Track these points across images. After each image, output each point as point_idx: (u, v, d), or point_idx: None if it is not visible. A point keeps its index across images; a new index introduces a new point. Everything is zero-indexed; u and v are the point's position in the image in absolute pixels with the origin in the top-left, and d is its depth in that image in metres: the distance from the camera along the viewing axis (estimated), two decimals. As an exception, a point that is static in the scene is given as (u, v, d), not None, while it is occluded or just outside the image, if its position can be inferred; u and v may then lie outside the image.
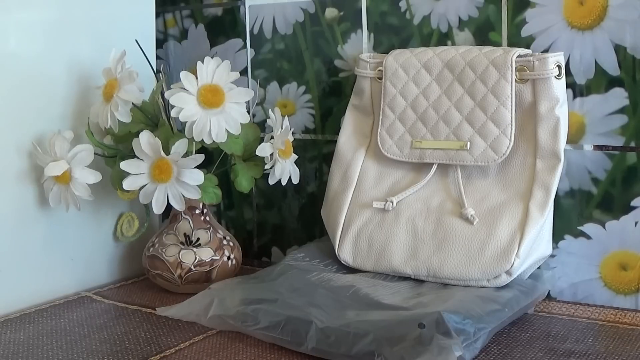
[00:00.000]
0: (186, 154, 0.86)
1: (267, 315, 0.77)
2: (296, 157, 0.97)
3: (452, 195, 0.86)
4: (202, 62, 0.87)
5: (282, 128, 0.92)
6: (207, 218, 0.97)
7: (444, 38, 0.94)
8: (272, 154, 0.91)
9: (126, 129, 0.90)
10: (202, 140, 0.87)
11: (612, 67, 0.84)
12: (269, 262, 1.11)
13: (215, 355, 0.75)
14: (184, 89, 0.86)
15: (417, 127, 0.89)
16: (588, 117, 0.86)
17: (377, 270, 0.87)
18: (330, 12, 1.02)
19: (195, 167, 0.86)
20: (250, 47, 1.09)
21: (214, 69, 0.87)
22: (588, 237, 0.87)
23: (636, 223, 0.84)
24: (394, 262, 0.85)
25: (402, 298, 0.79)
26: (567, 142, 0.85)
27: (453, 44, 0.93)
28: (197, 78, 0.86)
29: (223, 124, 0.87)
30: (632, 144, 0.84)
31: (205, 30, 1.13)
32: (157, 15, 1.13)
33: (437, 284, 0.83)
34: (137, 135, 0.86)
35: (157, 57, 1.13)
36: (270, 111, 0.94)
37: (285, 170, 0.94)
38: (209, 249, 0.94)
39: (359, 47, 1.00)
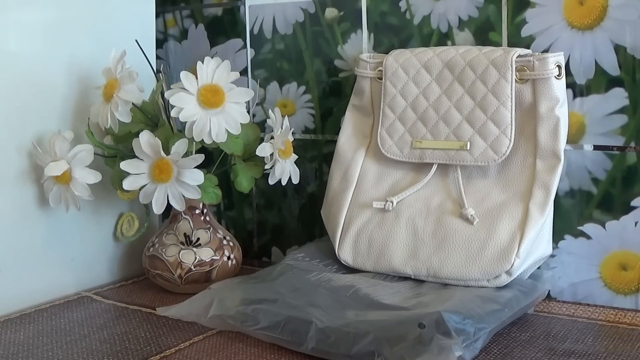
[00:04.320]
0: (186, 154, 0.86)
1: (267, 315, 0.77)
2: (296, 157, 0.97)
3: (452, 195, 0.86)
4: (202, 62, 0.87)
5: (282, 128, 0.92)
6: (207, 218, 0.97)
7: (444, 38, 0.94)
8: (272, 154, 0.91)
9: (126, 129, 0.90)
10: (202, 140, 0.87)
11: (612, 67, 0.84)
12: (269, 262, 1.11)
13: (215, 355, 0.75)
14: (184, 89, 0.86)
15: (417, 127, 0.89)
16: (588, 117, 0.86)
17: (377, 270, 0.87)
18: (330, 12, 1.02)
19: (195, 167, 0.86)
20: (250, 47, 1.09)
21: (214, 69, 0.87)
22: (588, 237, 0.87)
23: (636, 223, 0.84)
24: (394, 262, 0.85)
25: (402, 298, 0.79)
26: (567, 142, 0.85)
27: (453, 44, 0.93)
28: (197, 78, 0.86)
29: (223, 124, 0.87)
30: (632, 144, 0.84)
31: (205, 30, 1.13)
32: (157, 15, 1.13)
33: (437, 284, 0.83)
34: (137, 135, 0.86)
35: (157, 57, 1.13)
36: (270, 111, 0.94)
37: (285, 170, 0.94)
38: (209, 249, 0.94)
39: (359, 47, 1.00)
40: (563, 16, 0.86)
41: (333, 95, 1.03)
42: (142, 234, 1.02)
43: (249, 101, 0.91)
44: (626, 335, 0.78)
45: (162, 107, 0.93)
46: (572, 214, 0.88)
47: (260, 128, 0.99)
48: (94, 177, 0.90)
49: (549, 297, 0.89)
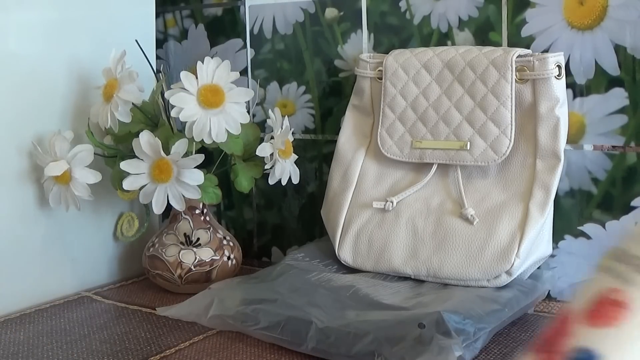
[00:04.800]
0: (186, 154, 0.86)
1: (267, 315, 0.77)
2: (296, 157, 0.97)
3: (452, 195, 0.86)
4: (202, 62, 0.87)
5: (282, 128, 0.92)
6: (207, 218, 0.97)
7: (444, 38, 0.94)
8: (272, 154, 0.91)
9: (126, 129, 0.90)
10: (202, 140, 0.87)
11: (612, 67, 0.84)
12: (269, 262, 1.11)
13: (215, 355, 0.75)
14: (184, 89, 0.86)
15: (417, 127, 0.89)
16: (588, 117, 0.86)
17: (377, 270, 0.87)
18: (330, 12, 1.02)
19: (195, 167, 0.86)
20: (250, 47, 1.09)
21: (214, 69, 0.87)
22: (588, 237, 0.87)
23: (636, 223, 0.84)
24: (394, 262, 0.85)
25: (402, 298, 0.79)
26: (567, 142, 0.85)
27: (453, 44, 0.93)
28: (197, 78, 0.86)
29: (223, 124, 0.87)
30: (632, 144, 0.84)
31: (205, 30, 1.13)
32: (157, 15, 1.13)
33: (437, 284, 0.83)
34: (137, 135, 0.86)
35: (157, 57, 1.13)
36: (270, 111, 0.94)
37: (285, 170, 0.94)
38: (209, 249, 0.94)
39: (359, 47, 1.00)
40: (563, 16, 0.86)
41: (333, 95, 1.03)
42: (142, 234, 1.02)
43: (249, 101, 0.91)
44: (626, 335, 0.78)
45: (162, 107, 0.93)
46: (572, 214, 0.88)
47: (260, 128, 0.99)
48: (94, 177, 0.90)
49: (549, 297, 0.89)
